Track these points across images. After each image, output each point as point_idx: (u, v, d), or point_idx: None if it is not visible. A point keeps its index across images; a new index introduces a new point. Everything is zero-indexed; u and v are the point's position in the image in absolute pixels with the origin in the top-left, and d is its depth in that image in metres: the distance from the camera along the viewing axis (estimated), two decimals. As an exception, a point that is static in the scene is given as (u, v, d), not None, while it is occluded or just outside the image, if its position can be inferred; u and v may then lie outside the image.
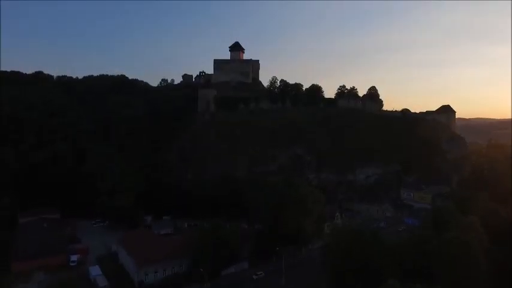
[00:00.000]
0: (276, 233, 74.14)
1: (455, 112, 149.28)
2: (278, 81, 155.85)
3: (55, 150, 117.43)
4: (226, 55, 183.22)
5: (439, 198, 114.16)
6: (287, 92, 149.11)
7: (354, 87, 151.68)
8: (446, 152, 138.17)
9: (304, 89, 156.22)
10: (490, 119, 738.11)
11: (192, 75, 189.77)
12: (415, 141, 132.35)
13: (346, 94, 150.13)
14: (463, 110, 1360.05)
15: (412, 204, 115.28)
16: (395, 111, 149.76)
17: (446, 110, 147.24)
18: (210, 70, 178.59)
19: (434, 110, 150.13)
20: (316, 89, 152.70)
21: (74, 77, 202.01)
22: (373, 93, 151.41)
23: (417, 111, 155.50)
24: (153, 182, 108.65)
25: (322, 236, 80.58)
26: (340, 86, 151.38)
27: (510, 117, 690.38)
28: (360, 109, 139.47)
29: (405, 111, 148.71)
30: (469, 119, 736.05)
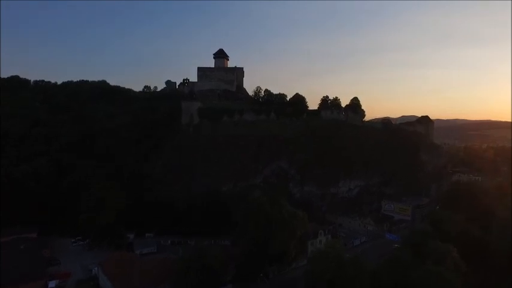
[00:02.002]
0: (260, 254, 74.55)
1: (433, 122, 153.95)
2: (262, 91, 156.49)
3: (35, 164, 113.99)
4: (210, 61, 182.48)
5: (418, 209, 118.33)
6: (271, 102, 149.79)
7: (336, 97, 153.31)
8: (425, 162, 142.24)
9: (288, 98, 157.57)
10: (466, 120, 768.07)
11: (175, 82, 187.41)
12: (396, 152, 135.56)
13: (329, 104, 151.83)
14: (441, 111, 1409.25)
15: (393, 215, 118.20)
16: (376, 119, 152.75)
17: (425, 121, 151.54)
18: (192, 76, 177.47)
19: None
20: (299, 99, 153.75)
21: (53, 81, 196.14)
22: (355, 103, 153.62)
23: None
24: (136, 197, 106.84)
25: (305, 255, 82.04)
26: (323, 97, 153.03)
27: (485, 119, 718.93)
28: (342, 120, 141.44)
29: (386, 122, 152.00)
30: (447, 120, 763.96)
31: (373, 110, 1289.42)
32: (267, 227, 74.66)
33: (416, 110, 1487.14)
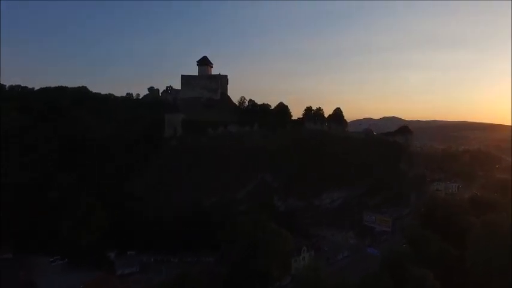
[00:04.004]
0: (244, 275, 74.90)
1: (413, 133, 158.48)
2: (246, 101, 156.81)
3: (12, 177, 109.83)
4: (193, 61, 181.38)
5: (398, 220, 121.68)
6: (255, 112, 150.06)
7: (320, 107, 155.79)
8: (405, 172, 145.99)
9: (272, 107, 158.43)
10: (444, 121, 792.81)
11: (158, 89, 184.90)
12: (377, 162, 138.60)
13: (312, 114, 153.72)
14: (421, 112, 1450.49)
15: (375, 226, 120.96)
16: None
17: (405, 131, 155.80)
18: (175, 79, 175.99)
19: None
20: (283, 109, 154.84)
21: (23, 85, 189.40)
22: (338, 113, 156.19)
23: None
24: (118, 212, 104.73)
25: (289, 272, 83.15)
26: (306, 107, 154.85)
27: (462, 120, 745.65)
28: (325, 131, 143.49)
29: (368, 132, 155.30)
30: (427, 121, 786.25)
31: (355, 110, 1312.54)
32: (251, 247, 75.27)
33: (397, 110, 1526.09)
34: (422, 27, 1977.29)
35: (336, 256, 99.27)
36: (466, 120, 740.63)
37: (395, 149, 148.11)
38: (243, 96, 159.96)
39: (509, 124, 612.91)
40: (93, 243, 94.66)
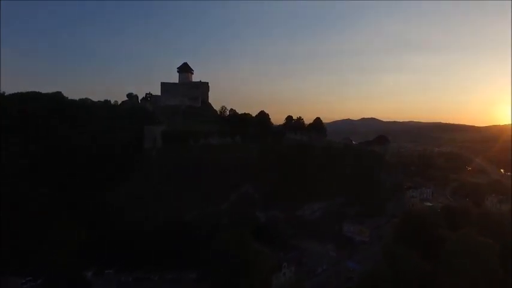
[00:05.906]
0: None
1: (390, 142, 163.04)
2: (228, 111, 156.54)
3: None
4: (173, 71, 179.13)
5: (376, 230, 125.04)
6: (237, 121, 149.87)
7: (300, 117, 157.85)
8: (383, 181, 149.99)
9: (253, 115, 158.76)
10: (420, 122, 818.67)
11: (137, 96, 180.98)
12: (356, 172, 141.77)
13: (292, 123, 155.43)
14: (398, 113, 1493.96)
15: (354, 236, 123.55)
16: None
17: (383, 141, 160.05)
18: (154, 89, 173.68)
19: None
20: (264, 118, 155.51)
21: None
22: (318, 122, 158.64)
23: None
24: (96, 228, 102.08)
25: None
26: (287, 117, 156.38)
27: (436, 121, 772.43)
28: (306, 141, 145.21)
29: (346, 142, 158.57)
30: (402, 122, 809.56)
31: (335, 111, 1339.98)
32: (232, 266, 75.21)
33: (376, 112, 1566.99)
34: (397, 30, 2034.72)
35: (316, 270, 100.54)
36: (440, 121, 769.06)
37: (373, 158, 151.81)
38: (224, 106, 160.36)
39: (480, 125, 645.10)
40: (69, 262, 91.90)
